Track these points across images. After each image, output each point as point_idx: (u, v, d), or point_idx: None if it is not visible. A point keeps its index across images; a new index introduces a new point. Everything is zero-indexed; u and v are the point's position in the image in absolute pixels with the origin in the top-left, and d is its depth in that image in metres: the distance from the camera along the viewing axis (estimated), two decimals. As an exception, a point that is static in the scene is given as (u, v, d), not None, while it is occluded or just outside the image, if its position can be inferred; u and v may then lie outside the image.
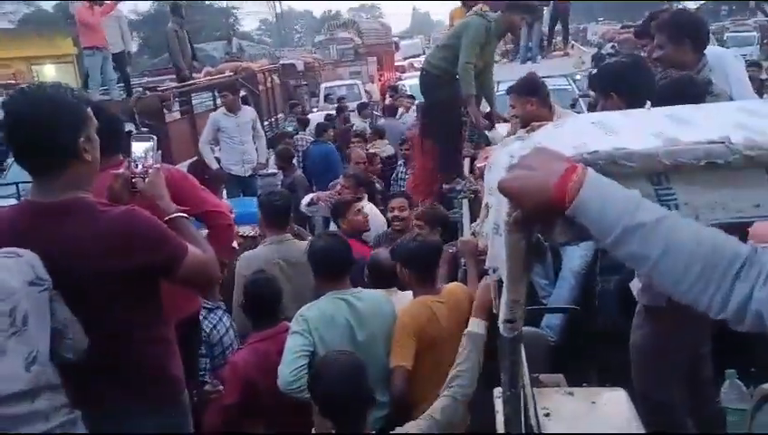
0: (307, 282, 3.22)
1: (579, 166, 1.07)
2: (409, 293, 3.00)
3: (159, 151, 2.21)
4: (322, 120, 10.14)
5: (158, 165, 2.10)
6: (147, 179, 2.02)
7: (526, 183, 1.09)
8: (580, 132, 1.44)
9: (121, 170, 2.06)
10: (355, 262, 2.98)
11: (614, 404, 2.01)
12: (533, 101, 3.85)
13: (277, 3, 58.53)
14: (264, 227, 3.75)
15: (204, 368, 3.16)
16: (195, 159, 8.10)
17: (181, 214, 2.02)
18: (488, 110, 5.85)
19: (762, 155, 1.04)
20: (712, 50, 3.07)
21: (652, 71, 2.68)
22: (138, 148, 2.08)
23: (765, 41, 22.04)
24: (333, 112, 12.08)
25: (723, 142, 1.05)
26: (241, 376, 2.86)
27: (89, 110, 1.85)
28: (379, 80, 19.92)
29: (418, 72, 20.39)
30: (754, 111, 1.37)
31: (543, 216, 1.11)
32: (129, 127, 6.58)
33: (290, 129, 10.70)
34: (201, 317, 3.06)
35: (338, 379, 2.18)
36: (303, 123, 11.26)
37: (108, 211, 1.81)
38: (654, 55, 2.99)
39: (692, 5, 39.55)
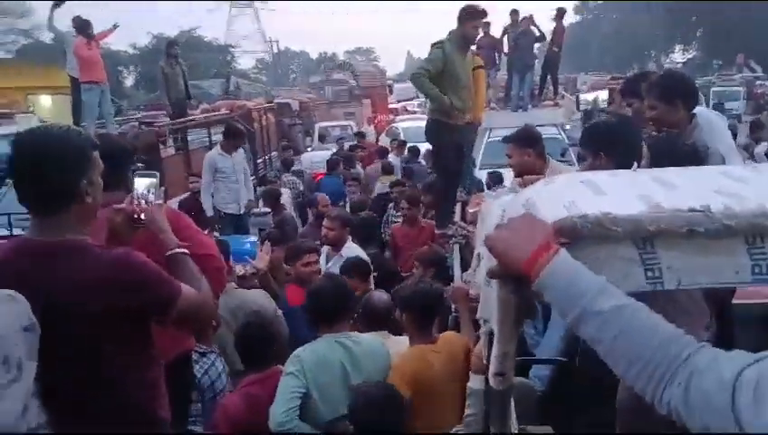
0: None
1: (553, 246, 1.14)
2: (402, 338, 3.00)
3: (163, 188, 2.23)
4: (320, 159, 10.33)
5: (161, 201, 2.12)
6: (149, 214, 2.03)
7: (506, 248, 1.18)
8: (569, 191, 1.49)
9: (123, 205, 2.07)
10: (354, 306, 2.99)
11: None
12: (530, 153, 3.93)
13: (274, 43, 59.29)
14: None
15: (195, 414, 3.12)
16: (186, 195, 8.14)
17: (182, 250, 2.03)
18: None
19: (740, 224, 1.09)
20: (698, 110, 3.16)
21: (639, 132, 2.76)
22: (140, 184, 2.09)
23: (749, 97, 22.57)
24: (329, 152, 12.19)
25: (703, 211, 1.11)
26: (231, 420, 2.82)
27: (95, 153, 1.88)
28: (374, 122, 20.15)
29: (411, 115, 20.67)
30: (737, 177, 1.43)
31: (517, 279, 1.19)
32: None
33: (270, 174, 10.79)
34: (193, 361, 3.04)
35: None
36: (287, 164, 11.39)
37: (103, 254, 1.81)
38: (647, 115, 3.07)
39: (680, 59, 40.58)
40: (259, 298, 3.69)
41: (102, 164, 1.88)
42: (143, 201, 2.05)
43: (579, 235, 1.16)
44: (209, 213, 7.28)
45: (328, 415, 2.70)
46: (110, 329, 1.79)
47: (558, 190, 1.59)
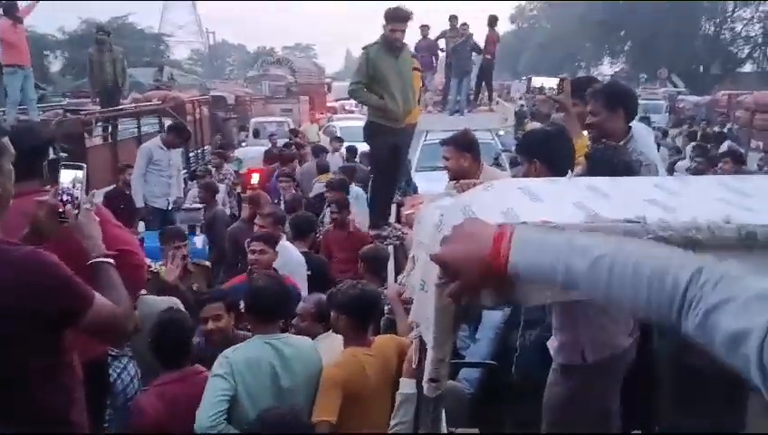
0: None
1: (506, 230, 1.10)
2: (337, 337, 2.98)
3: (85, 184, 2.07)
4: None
5: (89, 205, 1.97)
6: (77, 219, 1.91)
7: (460, 257, 1.12)
8: (507, 198, 1.50)
9: (47, 198, 1.95)
10: (292, 308, 2.99)
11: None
12: (467, 157, 3.98)
13: (210, 34, 57.99)
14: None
15: (106, 419, 2.97)
16: (112, 187, 7.84)
17: (106, 259, 1.92)
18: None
19: (674, 236, 1.11)
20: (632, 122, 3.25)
21: (572, 141, 2.81)
22: (66, 176, 1.95)
23: (671, 110, 23.69)
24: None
25: (639, 222, 1.13)
26: (149, 421, 2.72)
27: (3, 139, 1.76)
28: (315, 120, 20.02)
29: (349, 114, 20.64)
30: (669, 189, 1.48)
31: (483, 284, 1.13)
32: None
33: (200, 169, 10.52)
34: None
35: None
36: (223, 157, 11.16)
37: (10, 251, 1.70)
38: (587, 121, 3.11)
39: (608, 71, 42.25)
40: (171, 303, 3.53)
41: (13, 151, 1.76)
42: (66, 196, 1.92)
43: None
44: (139, 204, 7.09)
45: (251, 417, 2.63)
46: (14, 332, 1.67)
47: (496, 197, 1.59)
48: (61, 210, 1.91)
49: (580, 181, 1.73)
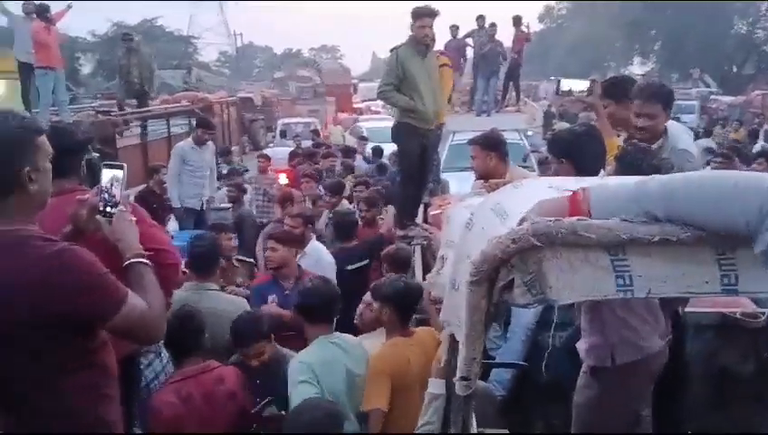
0: (220, 337, 3.13)
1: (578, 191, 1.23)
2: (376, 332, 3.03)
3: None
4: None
5: (124, 207, 1.98)
6: (113, 222, 1.92)
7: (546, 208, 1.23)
8: (537, 195, 1.49)
9: (88, 196, 1.97)
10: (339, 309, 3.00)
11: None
12: (493, 156, 3.97)
13: (238, 36, 58.54)
14: (189, 271, 3.50)
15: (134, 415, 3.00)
16: (144, 187, 7.94)
17: (141, 260, 1.92)
18: None
19: (710, 235, 1.09)
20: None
21: (604, 141, 2.78)
22: (106, 176, 1.97)
23: (703, 111, 23.26)
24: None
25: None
26: (168, 421, 2.70)
27: (41, 138, 1.78)
28: (337, 121, 20.09)
29: (375, 115, 20.54)
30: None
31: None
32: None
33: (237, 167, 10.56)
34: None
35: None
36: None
37: (41, 248, 1.70)
38: (640, 124, 3.01)
39: (638, 71, 41.67)
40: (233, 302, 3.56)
41: (50, 150, 1.80)
42: (106, 195, 1.94)
43: (552, 239, 1.15)
44: (176, 204, 7.12)
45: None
46: (43, 330, 1.69)
47: (526, 195, 1.58)
48: (101, 208, 1.93)
49: (612, 179, 1.71)
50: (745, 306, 3.42)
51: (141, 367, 3.09)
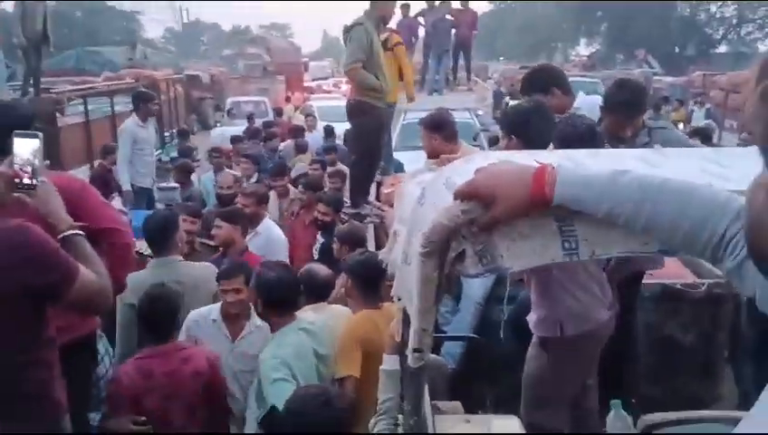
0: (198, 304, 3.20)
1: (546, 166, 1.14)
2: (338, 307, 3.09)
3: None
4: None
5: (45, 178, 1.89)
6: (37, 194, 1.85)
7: (499, 184, 1.13)
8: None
9: (1, 168, 1.87)
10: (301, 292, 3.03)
11: (507, 432, 2.08)
12: (437, 137, 4.01)
13: (184, 12, 56.88)
14: (149, 247, 3.56)
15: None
16: (98, 165, 7.69)
17: (77, 232, 1.89)
18: None
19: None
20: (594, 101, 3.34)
21: (553, 118, 2.83)
22: (22, 146, 1.86)
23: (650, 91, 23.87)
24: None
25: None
26: (124, 391, 2.73)
27: None
28: (288, 100, 19.80)
29: (326, 94, 20.33)
30: (653, 162, 1.49)
31: (521, 211, 1.14)
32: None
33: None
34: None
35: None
36: (183, 136, 11.05)
37: None
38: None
39: (584, 52, 42.44)
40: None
41: None
42: (29, 167, 1.85)
43: None
44: (126, 187, 6.86)
45: None
46: (2, 306, 1.65)
47: (476, 168, 1.59)
48: (17, 180, 1.82)
49: (560, 153, 1.74)
50: (686, 277, 3.56)
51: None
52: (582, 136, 2.60)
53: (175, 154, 9.86)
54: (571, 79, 3.84)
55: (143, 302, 2.92)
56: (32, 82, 9.16)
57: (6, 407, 1.74)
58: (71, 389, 2.01)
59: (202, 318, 3.16)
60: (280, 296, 2.85)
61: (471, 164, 1.70)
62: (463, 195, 1.17)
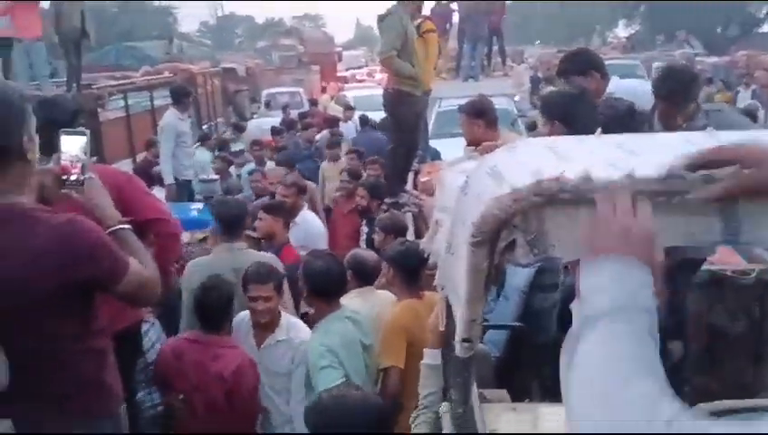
0: None
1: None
2: (385, 292, 3.10)
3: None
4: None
5: (93, 174, 1.92)
6: (85, 190, 1.88)
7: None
8: (534, 158, 1.48)
9: (51, 166, 1.92)
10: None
11: (557, 420, 2.06)
12: (480, 123, 3.97)
13: (218, 5, 57.45)
14: (215, 234, 3.63)
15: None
16: (143, 158, 7.84)
17: (124, 226, 1.93)
18: None
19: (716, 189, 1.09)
20: (630, 85, 3.27)
21: (595, 102, 2.78)
22: (69, 143, 1.89)
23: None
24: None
25: (681, 177, 1.11)
26: (160, 368, 2.91)
27: (30, 106, 1.77)
28: (323, 90, 19.84)
29: (360, 84, 20.31)
30: (700, 144, 1.44)
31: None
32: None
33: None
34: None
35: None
36: (239, 129, 11.13)
37: (47, 219, 1.72)
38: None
39: (623, 34, 41.43)
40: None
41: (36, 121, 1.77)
42: (77, 163, 1.88)
43: (555, 198, 1.15)
44: (169, 180, 6.97)
45: None
46: (53, 299, 1.70)
47: (522, 157, 1.57)
48: (65, 177, 1.86)
49: (609, 139, 1.70)
50: (736, 263, 3.46)
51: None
52: (623, 118, 2.55)
53: (242, 146, 9.91)
54: (609, 62, 3.76)
55: (197, 291, 2.99)
56: (73, 78, 9.39)
57: (63, 396, 1.79)
58: None
59: (241, 319, 3.13)
60: (326, 285, 2.87)
61: (515, 151, 1.68)
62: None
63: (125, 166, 8.26)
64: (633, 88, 3.42)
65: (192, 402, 2.82)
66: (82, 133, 1.94)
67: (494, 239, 1.22)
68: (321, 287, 2.88)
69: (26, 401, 1.71)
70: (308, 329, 2.94)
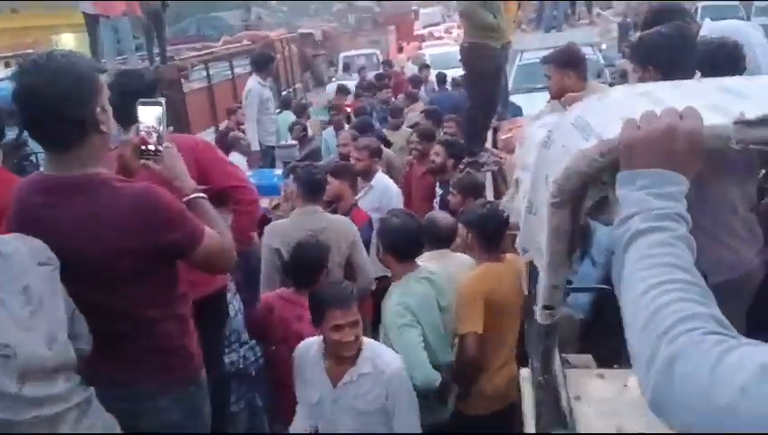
0: (337, 254, 3.26)
1: None
2: (461, 255, 3.04)
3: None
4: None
5: (169, 144, 1.92)
6: (163, 160, 1.89)
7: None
8: (626, 105, 1.34)
9: (131, 136, 1.93)
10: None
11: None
12: (571, 75, 3.69)
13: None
14: (297, 197, 3.65)
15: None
16: (224, 127, 8.00)
17: (200, 195, 1.93)
18: None
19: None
20: (727, 25, 2.93)
21: (696, 42, 2.51)
22: (146, 114, 1.90)
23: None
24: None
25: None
26: (255, 320, 3.01)
27: (101, 77, 1.78)
28: (400, 50, 19.57)
29: (438, 41, 19.90)
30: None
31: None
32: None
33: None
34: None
35: None
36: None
37: (125, 188, 1.74)
38: None
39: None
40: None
41: (109, 91, 1.78)
42: (154, 134, 1.90)
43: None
44: (255, 147, 7.03)
45: (439, 356, 2.75)
46: (132, 266, 1.73)
47: (614, 105, 1.43)
48: (143, 147, 1.87)
49: (710, 82, 1.52)
50: None
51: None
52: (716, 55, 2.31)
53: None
54: (703, 3, 3.40)
55: (295, 250, 3.03)
56: (157, 51, 9.67)
57: (145, 360, 1.83)
58: (202, 345, 2.09)
59: (306, 349, 2.61)
60: (402, 243, 2.83)
61: (605, 100, 1.54)
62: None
63: (209, 134, 8.48)
64: (733, 28, 3.07)
65: (281, 354, 2.88)
66: (158, 103, 1.94)
67: (580, 198, 1.11)
68: (398, 245, 2.84)
69: (108, 367, 1.76)
70: (397, 357, 2.50)
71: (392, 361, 2.46)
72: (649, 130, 0.95)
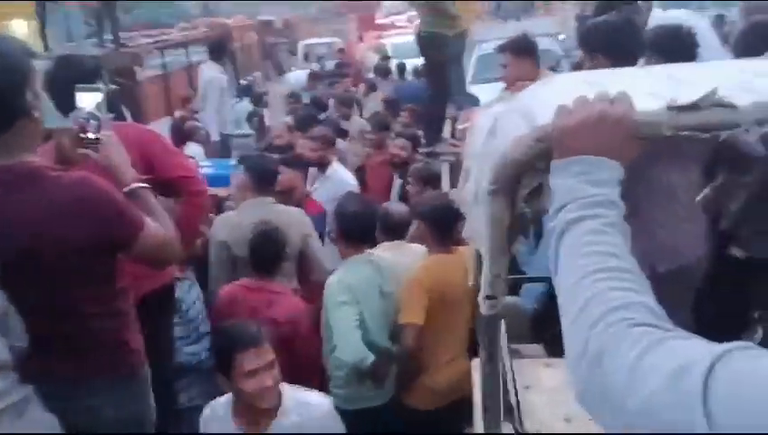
0: (289, 246, 3.19)
1: None
2: (417, 246, 3.04)
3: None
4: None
5: (109, 132, 1.86)
6: (101, 149, 1.82)
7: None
8: (571, 92, 1.32)
9: (69, 124, 1.87)
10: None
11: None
12: (527, 62, 3.73)
13: (255, -43, 56.74)
14: (247, 188, 3.57)
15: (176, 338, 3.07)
16: (179, 116, 7.82)
17: (141, 184, 1.86)
18: None
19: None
20: (672, 15, 2.98)
21: (642, 30, 2.55)
22: (85, 100, 1.83)
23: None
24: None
25: (730, 105, 0.95)
26: (217, 313, 2.94)
27: (36, 63, 1.70)
28: (360, 39, 19.44)
29: (400, 31, 19.85)
30: (759, 72, 1.26)
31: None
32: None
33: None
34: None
35: None
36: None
37: (59, 177, 1.67)
38: None
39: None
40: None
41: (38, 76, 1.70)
42: (93, 121, 1.82)
43: None
44: (215, 137, 6.94)
45: (375, 337, 2.74)
46: (65, 259, 1.66)
47: (558, 92, 1.41)
48: (82, 135, 1.81)
49: (658, 69, 1.52)
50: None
51: (177, 295, 3.12)
52: (683, 43, 2.33)
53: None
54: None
55: (254, 239, 3.00)
56: (111, 38, 9.40)
57: (83, 357, 1.77)
58: (151, 340, 2.03)
59: (211, 412, 2.27)
60: (355, 228, 2.84)
61: (549, 86, 1.52)
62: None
63: (164, 124, 8.29)
64: (679, 18, 3.10)
65: None
66: (98, 90, 1.89)
67: (515, 186, 1.09)
68: (351, 230, 2.85)
69: (46, 364, 1.69)
70: (324, 400, 2.27)
71: (320, 402, 2.20)
72: (581, 116, 0.93)
